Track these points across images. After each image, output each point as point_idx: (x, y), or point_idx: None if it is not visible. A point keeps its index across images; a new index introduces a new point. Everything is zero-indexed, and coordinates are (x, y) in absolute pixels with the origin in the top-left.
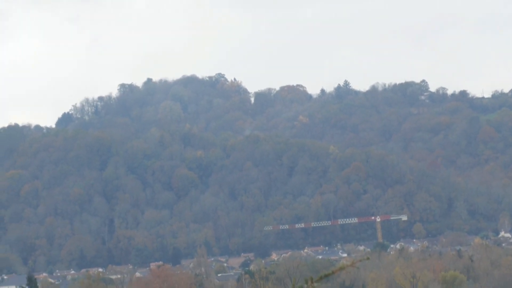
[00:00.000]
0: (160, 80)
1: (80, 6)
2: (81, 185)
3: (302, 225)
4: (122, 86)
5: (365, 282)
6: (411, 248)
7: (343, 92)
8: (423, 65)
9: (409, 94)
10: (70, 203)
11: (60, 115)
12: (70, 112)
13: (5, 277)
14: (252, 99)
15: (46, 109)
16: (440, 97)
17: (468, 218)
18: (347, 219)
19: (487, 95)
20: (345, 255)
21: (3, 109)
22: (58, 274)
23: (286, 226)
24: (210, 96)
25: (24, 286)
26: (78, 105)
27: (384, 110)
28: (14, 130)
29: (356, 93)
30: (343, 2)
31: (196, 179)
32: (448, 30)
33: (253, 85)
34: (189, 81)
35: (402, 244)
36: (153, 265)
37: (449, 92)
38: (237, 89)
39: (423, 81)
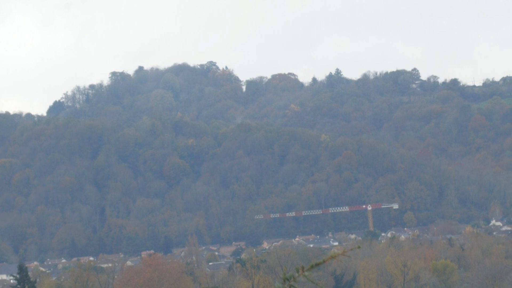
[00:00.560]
0: (152, 68)
1: None
2: (72, 174)
3: (293, 213)
4: (114, 74)
5: (356, 270)
6: (402, 237)
7: (335, 80)
8: (414, 53)
9: (400, 83)
10: (61, 191)
11: (51, 103)
12: (61, 100)
13: None
14: (244, 88)
15: (37, 97)
16: (431, 85)
17: (459, 207)
18: (338, 208)
19: (478, 83)
20: (336, 243)
21: None
22: (49, 262)
23: (277, 215)
24: (201, 85)
25: (15, 274)
26: (69, 93)
27: (376, 98)
28: (5, 118)
29: (348, 81)
30: None
31: (187, 167)
32: (439, 18)
33: (245, 73)
34: (180, 69)
35: (393, 232)
36: (144, 254)
37: (440, 80)
38: (228, 78)
39: (414, 69)
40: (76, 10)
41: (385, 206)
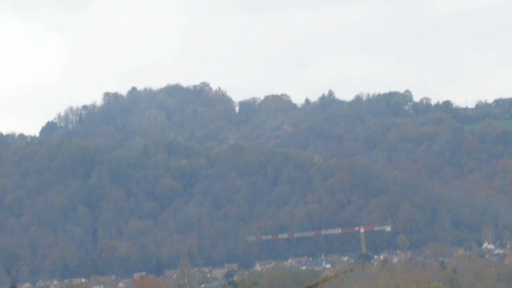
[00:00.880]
0: (145, 89)
1: (64, 14)
2: (64, 194)
3: (286, 235)
4: (107, 94)
5: None
6: (395, 259)
7: (328, 101)
8: (407, 75)
9: (393, 104)
10: (53, 212)
11: (44, 124)
12: (54, 121)
13: None
14: (237, 108)
15: (30, 118)
16: (424, 107)
17: (452, 229)
18: (331, 230)
19: (471, 105)
20: (329, 265)
21: None
22: (41, 284)
23: (270, 237)
24: (194, 105)
25: None
26: (62, 113)
27: (368, 120)
28: None
29: (341, 103)
30: (328, 13)
31: (180, 188)
32: (431, 39)
33: (238, 94)
34: (173, 90)
35: (386, 255)
36: (136, 276)
37: (433, 102)
38: (221, 98)
39: (407, 91)
40: (68, 30)
41: (378, 228)
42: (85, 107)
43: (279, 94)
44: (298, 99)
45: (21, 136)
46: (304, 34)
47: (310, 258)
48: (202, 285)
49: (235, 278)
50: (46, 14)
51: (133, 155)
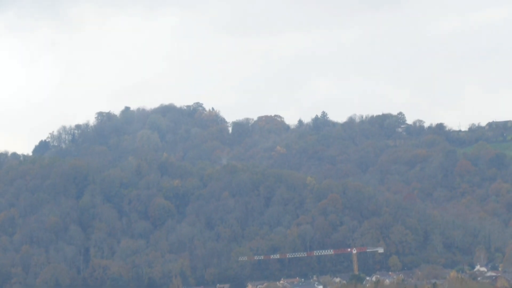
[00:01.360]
0: (138, 109)
1: (57, 34)
2: (57, 214)
3: (278, 256)
4: (100, 114)
5: None
6: (387, 281)
7: (321, 123)
8: (401, 97)
9: (386, 126)
10: (46, 231)
11: (37, 143)
12: (47, 140)
13: None
14: (230, 129)
15: (23, 137)
16: (417, 129)
17: (444, 251)
18: (323, 251)
19: (464, 128)
20: (321, 287)
21: None
22: None
23: (261, 257)
24: (187, 126)
25: None
26: (55, 132)
27: (361, 142)
28: None
29: (334, 124)
30: (321, 35)
31: (172, 208)
32: (425, 62)
33: (231, 114)
34: (167, 110)
35: (378, 276)
36: None
37: (426, 124)
38: (215, 119)
39: (400, 113)
40: (61, 49)
41: (370, 250)
42: (78, 126)
43: (273, 115)
44: (291, 120)
45: (14, 154)
46: (297, 56)
47: (302, 279)
48: None
49: None
50: (40, 35)
51: (125, 174)
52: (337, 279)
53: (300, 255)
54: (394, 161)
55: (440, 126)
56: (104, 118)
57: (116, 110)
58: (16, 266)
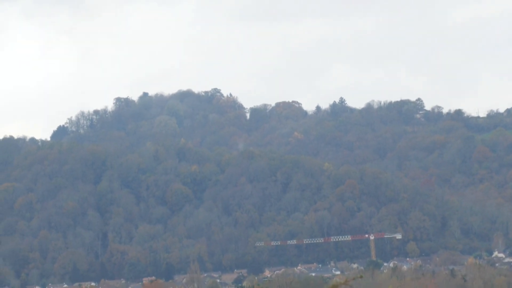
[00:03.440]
0: (156, 95)
1: (75, 20)
2: (75, 199)
3: (295, 241)
4: (118, 99)
5: None
6: (405, 267)
7: (339, 109)
8: (419, 84)
9: (404, 112)
10: (63, 216)
11: (55, 128)
12: (66, 125)
13: None
14: (248, 115)
15: (41, 122)
16: (435, 116)
17: (462, 238)
18: (341, 237)
19: (482, 114)
20: (338, 272)
21: None
22: (51, 287)
23: (279, 243)
24: (205, 111)
25: None
26: (74, 118)
27: (379, 128)
28: (9, 143)
29: (352, 110)
30: (340, 22)
31: (190, 194)
32: (443, 49)
33: (249, 100)
34: (185, 96)
35: (396, 262)
36: (145, 280)
37: (445, 111)
38: (232, 105)
39: (419, 99)
40: (80, 35)
41: (388, 236)
42: (96, 112)
43: (290, 101)
44: (309, 106)
45: (32, 140)
46: (316, 42)
47: (320, 265)
48: None
49: (244, 283)
50: (57, 21)
51: (143, 160)
52: (355, 265)
53: (318, 241)
54: (412, 147)
55: (459, 112)
56: (122, 103)
57: (134, 96)
58: (34, 251)
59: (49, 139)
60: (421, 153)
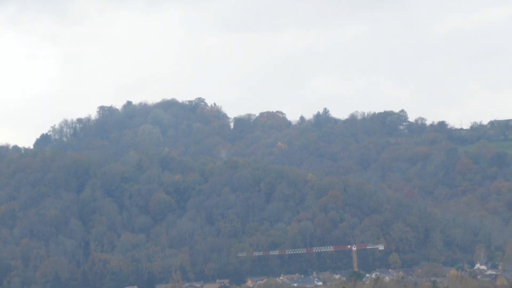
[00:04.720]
0: (140, 103)
1: (59, 27)
2: (57, 207)
3: (277, 252)
4: (102, 108)
5: None
6: (387, 278)
7: (322, 119)
8: (402, 95)
9: (387, 124)
10: (46, 224)
11: (38, 136)
12: (49, 133)
13: None
14: (232, 124)
15: (24, 130)
16: (419, 127)
17: (444, 249)
18: (323, 247)
19: (466, 126)
20: (320, 283)
21: None
22: None
23: (261, 253)
24: (189, 121)
25: None
26: (57, 126)
27: (363, 139)
28: None
29: (336, 121)
30: (323, 32)
31: (173, 203)
32: (428, 60)
33: (233, 110)
34: (168, 105)
35: (378, 273)
36: None
37: (428, 122)
38: (216, 114)
39: (402, 111)
40: (63, 43)
41: (370, 247)
42: (79, 120)
43: (274, 111)
44: (293, 117)
45: (15, 147)
46: (300, 52)
47: (302, 275)
48: None
49: None
50: (41, 28)
51: (126, 169)
52: (337, 276)
53: (300, 252)
54: (395, 159)
55: (442, 124)
56: (106, 112)
57: (118, 105)
58: (16, 259)
59: (32, 147)
60: (404, 164)
